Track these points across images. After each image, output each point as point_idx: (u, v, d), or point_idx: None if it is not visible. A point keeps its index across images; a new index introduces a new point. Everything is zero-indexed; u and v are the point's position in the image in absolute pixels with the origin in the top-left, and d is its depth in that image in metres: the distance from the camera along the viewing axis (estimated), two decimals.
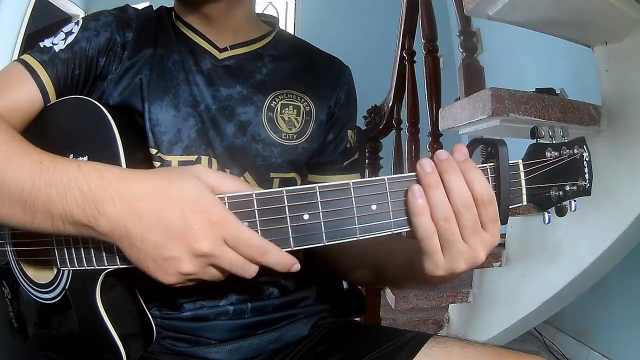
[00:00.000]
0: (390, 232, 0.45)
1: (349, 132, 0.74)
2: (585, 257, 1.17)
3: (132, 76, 0.62)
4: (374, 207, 0.44)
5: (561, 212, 0.49)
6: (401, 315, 1.56)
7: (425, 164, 0.44)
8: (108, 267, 0.50)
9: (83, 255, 0.50)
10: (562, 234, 1.25)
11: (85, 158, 0.52)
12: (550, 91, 1.19)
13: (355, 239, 0.44)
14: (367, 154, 2.09)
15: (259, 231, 0.43)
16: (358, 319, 0.93)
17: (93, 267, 0.50)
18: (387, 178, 0.44)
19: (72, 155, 0.53)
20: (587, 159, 0.50)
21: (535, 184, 0.48)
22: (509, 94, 1.02)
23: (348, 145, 0.74)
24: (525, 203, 0.48)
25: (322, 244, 0.44)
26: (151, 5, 0.69)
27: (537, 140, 0.49)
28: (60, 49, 0.59)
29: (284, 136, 0.66)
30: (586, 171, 0.50)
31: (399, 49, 1.97)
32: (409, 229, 0.45)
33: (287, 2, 3.95)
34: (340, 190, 0.44)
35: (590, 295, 1.48)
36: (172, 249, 0.41)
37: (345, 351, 0.61)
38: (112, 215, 0.42)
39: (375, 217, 0.44)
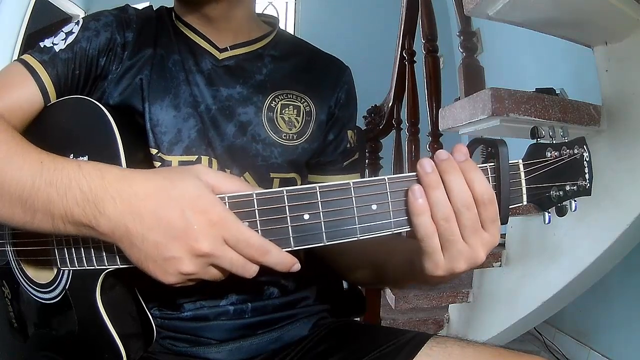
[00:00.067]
0: (390, 232, 0.45)
1: (349, 132, 0.74)
2: (585, 257, 1.17)
3: (133, 76, 0.62)
4: (374, 207, 0.44)
5: (561, 212, 0.49)
6: (401, 315, 1.56)
7: (426, 164, 0.44)
8: (108, 267, 0.50)
9: (83, 255, 0.50)
10: (562, 234, 1.25)
11: (86, 158, 0.52)
12: (550, 91, 1.19)
13: (356, 238, 0.44)
14: (367, 154, 2.08)
15: (259, 231, 0.43)
16: (358, 319, 0.93)
17: (93, 267, 0.50)
18: (388, 178, 0.44)
19: (72, 155, 0.53)
20: (587, 159, 0.50)
21: (536, 184, 0.48)
22: (509, 94, 1.02)
23: (348, 146, 0.74)
24: (525, 203, 0.48)
25: (322, 244, 0.44)
26: (151, 5, 0.69)
27: (537, 140, 0.49)
28: (60, 49, 0.59)
29: (284, 136, 0.66)
30: (586, 171, 0.50)
31: (399, 49, 1.97)
32: (409, 229, 0.45)
33: (287, 2, 3.95)
34: (340, 190, 0.44)
35: (590, 295, 1.48)
36: (173, 249, 0.41)
37: (345, 351, 0.61)
38: (113, 215, 0.42)
39: (376, 217, 0.44)
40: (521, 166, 0.48)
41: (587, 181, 0.50)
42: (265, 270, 0.44)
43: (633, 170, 1.05)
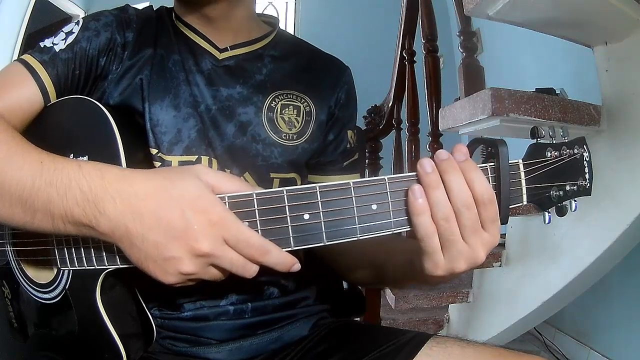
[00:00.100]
0: (390, 232, 0.45)
1: (349, 132, 0.74)
2: (585, 257, 1.17)
3: (133, 76, 0.62)
4: (374, 207, 0.44)
5: (561, 212, 0.49)
6: (401, 315, 1.56)
7: (426, 164, 0.44)
8: (108, 267, 0.50)
9: (83, 255, 0.50)
10: (562, 234, 1.25)
11: (86, 158, 0.52)
12: (550, 91, 1.19)
13: (356, 238, 0.44)
14: (367, 154, 2.09)
15: (259, 231, 0.43)
16: (358, 319, 0.93)
17: (93, 267, 0.50)
18: (388, 178, 0.44)
19: (72, 155, 0.53)
20: (587, 159, 0.50)
21: (536, 183, 0.48)
22: (509, 94, 1.02)
23: (348, 146, 0.74)
24: (525, 203, 0.48)
25: (322, 244, 0.44)
26: (151, 5, 0.69)
27: (537, 140, 0.49)
28: (60, 49, 0.59)
29: (284, 136, 0.66)
30: (586, 171, 0.50)
31: (399, 49, 1.97)
32: (409, 229, 0.45)
33: (287, 2, 3.95)
34: (340, 190, 0.44)
35: (590, 295, 1.48)
36: (173, 249, 0.41)
37: (345, 351, 0.61)
38: (113, 215, 0.42)
39: (376, 217, 0.44)
40: (521, 166, 0.48)
41: (587, 181, 0.50)
42: (265, 270, 0.44)
43: (633, 170, 1.05)
